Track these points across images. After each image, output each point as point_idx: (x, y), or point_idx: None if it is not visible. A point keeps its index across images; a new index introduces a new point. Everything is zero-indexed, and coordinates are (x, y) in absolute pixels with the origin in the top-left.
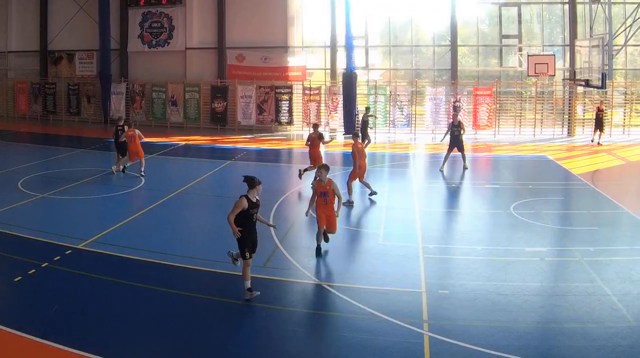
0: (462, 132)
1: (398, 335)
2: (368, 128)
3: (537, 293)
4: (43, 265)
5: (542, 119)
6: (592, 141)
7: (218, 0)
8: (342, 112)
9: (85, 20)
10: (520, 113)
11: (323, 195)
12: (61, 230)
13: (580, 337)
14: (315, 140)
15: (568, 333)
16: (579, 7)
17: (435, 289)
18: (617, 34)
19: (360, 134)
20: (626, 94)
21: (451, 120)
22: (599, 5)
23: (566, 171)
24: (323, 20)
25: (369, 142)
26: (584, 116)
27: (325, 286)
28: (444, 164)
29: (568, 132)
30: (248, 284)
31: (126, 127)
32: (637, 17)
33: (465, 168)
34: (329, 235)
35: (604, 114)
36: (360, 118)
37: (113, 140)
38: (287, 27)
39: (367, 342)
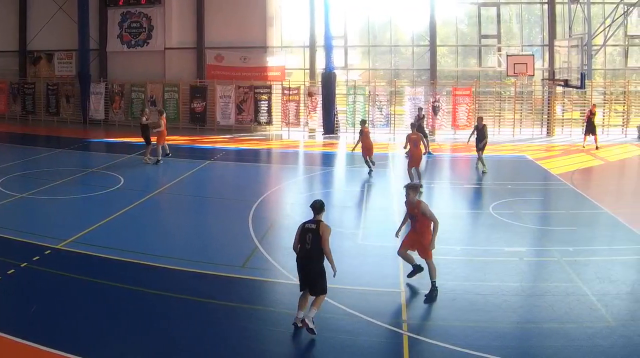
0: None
1: (377, 335)
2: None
3: (516, 293)
4: (22, 265)
5: (521, 119)
6: (583, 147)
7: (197, 1)
8: (321, 112)
9: (64, 20)
10: (500, 113)
11: (411, 218)
12: (40, 230)
13: (559, 337)
14: (366, 134)
15: (547, 333)
16: (558, 7)
17: (414, 289)
18: (596, 34)
19: (416, 125)
20: (605, 94)
21: (476, 123)
22: (578, 5)
23: (545, 171)
24: (302, 20)
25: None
26: (563, 116)
27: None
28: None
29: (547, 132)
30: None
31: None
32: (616, 17)
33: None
34: (422, 262)
35: (595, 117)
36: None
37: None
38: (266, 27)
39: (346, 342)
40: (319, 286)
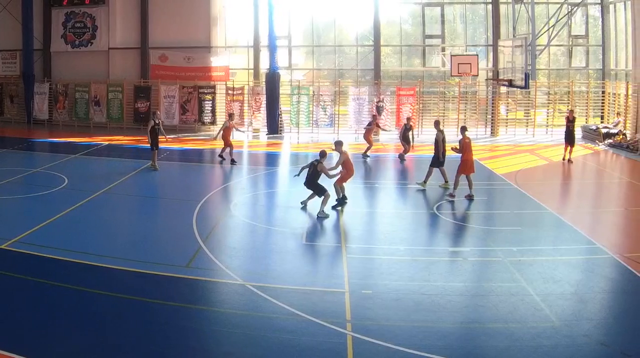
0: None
1: (321, 335)
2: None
3: (460, 294)
4: None
5: (465, 119)
6: (563, 159)
7: (141, 1)
8: (265, 112)
9: (8, 20)
10: (444, 113)
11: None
12: None
13: (503, 337)
14: (374, 126)
15: (491, 334)
16: (502, 7)
17: (359, 289)
18: (540, 34)
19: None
20: (549, 94)
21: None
22: (522, 6)
23: (489, 171)
24: (246, 20)
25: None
26: (507, 116)
27: (249, 286)
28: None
29: (491, 132)
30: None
31: (229, 119)
32: (560, 17)
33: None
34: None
35: (574, 125)
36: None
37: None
38: (210, 27)
39: (290, 342)
40: (316, 191)
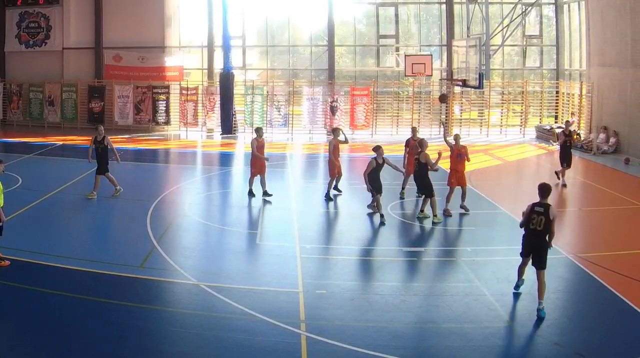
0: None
1: (275, 335)
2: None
3: (414, 294)
4: None
5: (419, 119)
6: (559, 184)
7: (95, 1)
8: (220, 112)
9: None
10: (398, 113)
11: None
12: None
13: (457, 337)
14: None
15: (445, 334)
16: (456, 7)
17: (313, 289)
18: (494, 34)
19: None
20: (503, 94)
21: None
22: (476, 5)
23: (443, 171)
24: (200, 20)
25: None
26: (461, 116)
27: (203, 286)
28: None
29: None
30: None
31: (257, 136)
32: (514, 17)
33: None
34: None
35: (573, 141)
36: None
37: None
38: (165, 27)
39: (245, 342)
40: (374, 188)
